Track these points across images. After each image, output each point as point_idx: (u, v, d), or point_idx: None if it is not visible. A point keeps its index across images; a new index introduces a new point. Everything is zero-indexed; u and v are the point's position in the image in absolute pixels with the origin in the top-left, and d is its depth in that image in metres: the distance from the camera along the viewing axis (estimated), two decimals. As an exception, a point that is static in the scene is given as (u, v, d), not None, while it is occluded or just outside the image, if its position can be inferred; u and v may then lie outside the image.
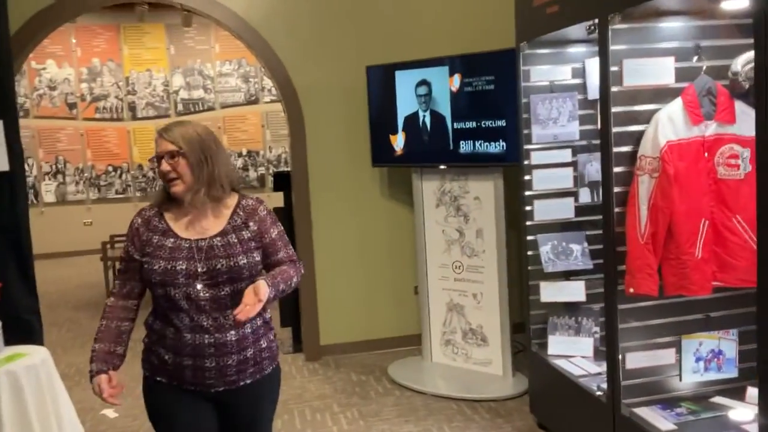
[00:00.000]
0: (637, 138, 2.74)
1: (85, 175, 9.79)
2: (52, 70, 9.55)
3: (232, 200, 2.08)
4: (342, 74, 4.60)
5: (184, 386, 2.02)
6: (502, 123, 3.85)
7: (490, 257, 4.12)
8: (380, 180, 4.72)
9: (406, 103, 4.25)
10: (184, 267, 1.95)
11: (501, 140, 3.87)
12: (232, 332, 1.98)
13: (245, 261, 1.99)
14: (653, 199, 2.65)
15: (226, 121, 10.17)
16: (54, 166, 9.69)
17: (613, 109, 2.69)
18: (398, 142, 4.30)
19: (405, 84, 4.23)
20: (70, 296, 7.23)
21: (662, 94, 2.72)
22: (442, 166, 4.19)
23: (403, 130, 4.28)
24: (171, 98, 9.99)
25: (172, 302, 1.97)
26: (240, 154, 10.24)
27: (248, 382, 2.05)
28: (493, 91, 3.86)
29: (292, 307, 5.07)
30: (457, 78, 3.99)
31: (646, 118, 2.73)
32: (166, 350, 2.01)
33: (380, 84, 4.37)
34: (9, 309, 2.94)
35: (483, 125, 3.92)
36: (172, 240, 2.00)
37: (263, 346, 2.07)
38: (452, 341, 4.36)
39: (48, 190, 9.69)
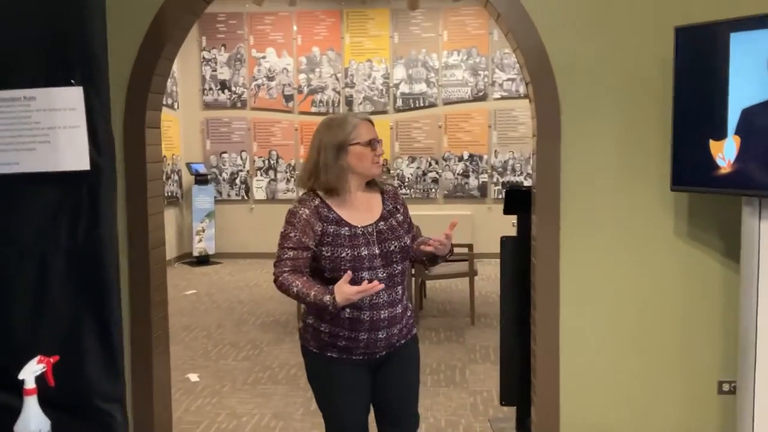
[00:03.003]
0: None
1: (297, 172, 9.11)
2: (272, 59, 8.99)
3: (376, 188, 2.34)
4: (629, 43, 2.97)
5: (353, 357, 2.25)
6: None
7: None
8: (679, 211, 3.00)
9: (747, 88, 2.50)
10: (366, 252, 2.19)
11: None
12: (399, 306, 2.28)
13: (408, 241, 2.32)
14: None
15: (447, 119, 8.89)
16: (267, 161, 9.14)
17: None
18: (727, 151, 2.57)
19: (750, 54, 2.48)
20: (260, 310, 6.40)
21: None
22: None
23: (737, 132, 2.54)
24: (390, 92, 8.95)
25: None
26: (460, 158, 8.89)
27: (402, 342, 2.34)
28: None
29: (518, 381, 3.54)
30: None
31: None
32: (341, 328, 2.21)
33: (699, 56, 2.66)
34: (77, 392, 1.82)
35: None
36: (346, 228, 2.20)
37: (409, 314, 2.38)
38: (799, 499, 2.53)
39: (259, 187, 9.17)
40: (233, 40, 9.01)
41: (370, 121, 2.28)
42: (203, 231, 8.90)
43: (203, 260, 8.85)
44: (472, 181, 8.90)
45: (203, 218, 8.89)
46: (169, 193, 8.72)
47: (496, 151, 8.87)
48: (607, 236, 3.07)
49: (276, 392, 4.27)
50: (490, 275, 7.66)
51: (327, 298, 2.06)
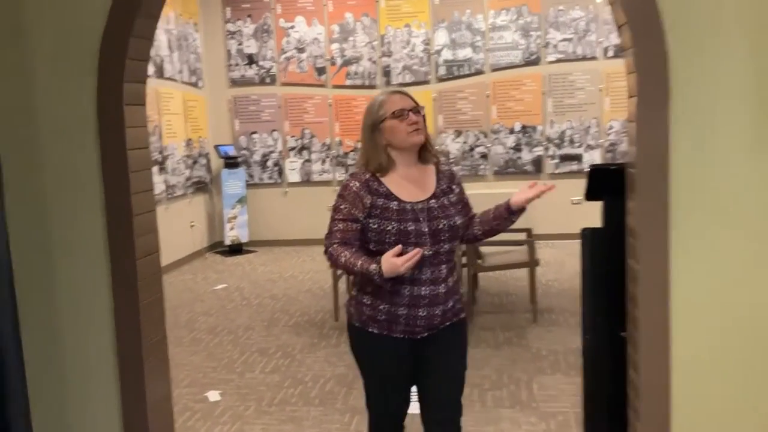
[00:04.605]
0: None
1: (332, 152, 8.40)
2: (301, 28, 8.24)
3: (432, 166, 2.34)
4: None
5: (394, 334, 2.26)
6: None
7: None
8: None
9: None
10: (413, 228, 2.20)
11: None
12: (442, 285, 2.25)
13: (461, 221, 2.32)
14: None
15: (496, 88, 8.02)
16: (300, 141, 8.44)
17: None
18: None
19: None
20: (294, 307, 5.75)
21: None
22: None
23: None
24: (432, 60, 8.11)
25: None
26: (512, 130, 8.04)
27: (447, 325, 2.31)
28: None
29: (608, 416, 2.77)
30: None
31: None
32: (381, 301, 2.23)
33: None
34: None
35: None
36: (395, 203, 2.22)
37: (457, 297, 2.35)
38: None
39: (293, 168, 8.49)
40: (259, 9, 8.29)
41: (402, 92, 2.31)
42: (235, 218, 8.29)
43: (236, 249, 8.26)
44: (525, 155, 8.04)
45: (234, 204, 8.28)
46: (198, 179, 8.12)
47: (551, 120, 7.98)
48: (738, 230, 2.26)
49: (308, 416, 3.61)
50: (549, 260, 6.85)
51: (373, 267, 2.11)
